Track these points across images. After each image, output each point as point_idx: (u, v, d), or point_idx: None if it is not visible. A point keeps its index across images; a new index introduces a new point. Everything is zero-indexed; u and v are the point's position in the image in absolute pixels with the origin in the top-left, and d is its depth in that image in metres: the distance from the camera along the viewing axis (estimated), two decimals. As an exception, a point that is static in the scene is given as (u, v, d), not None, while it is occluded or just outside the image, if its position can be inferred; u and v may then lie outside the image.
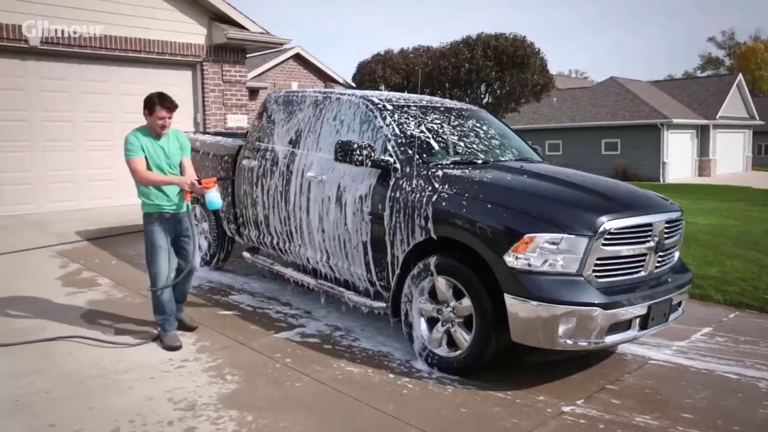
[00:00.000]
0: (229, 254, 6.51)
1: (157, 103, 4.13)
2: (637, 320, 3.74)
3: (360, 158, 4.27)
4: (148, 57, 9.72)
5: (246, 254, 5.95)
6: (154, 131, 4.22)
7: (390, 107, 4.75)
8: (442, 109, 5.16)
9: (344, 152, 4.30)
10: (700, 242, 8.72)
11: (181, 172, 4.36)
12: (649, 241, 3.82)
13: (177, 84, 10.19)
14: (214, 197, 4.28)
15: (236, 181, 5.83)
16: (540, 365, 4.08)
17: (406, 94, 5.39)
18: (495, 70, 21.28)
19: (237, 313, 5.10)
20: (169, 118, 4.21)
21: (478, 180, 4.02)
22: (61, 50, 8.91)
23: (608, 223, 3.59)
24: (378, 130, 4.60)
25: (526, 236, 3.51)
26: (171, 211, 4.29)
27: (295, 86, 21.77)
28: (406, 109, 4.82)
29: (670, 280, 4.05)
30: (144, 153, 4.16)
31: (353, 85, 24.03)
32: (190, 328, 4.57)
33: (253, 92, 19.53)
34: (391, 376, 3.90)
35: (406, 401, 3.54)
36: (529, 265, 3.52)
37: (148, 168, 4.18)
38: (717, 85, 31.91)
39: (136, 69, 9.81)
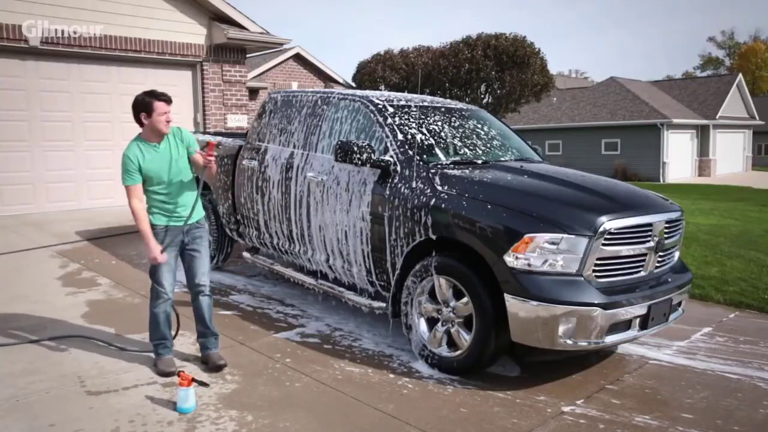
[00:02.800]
0: (229, 255, 6.51)
1: (154, 99, 3.65)
2: (637, 320, 3.75)
3: (360, 159, 4.27)
4: (148, 57, 9.72)
5: (246, 254, 5.95)
6: (156, 135, 3.73)
7: (390, 108, 4.75)
8: (443, 109, 5.15)
9: (344, 153, 4.30)
10: (700, 242, 8.72)
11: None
12: (649, 241, 3.82)
13: (177, 84, 10.19)
14: (183, 398, 3.34)
15: (236, 181, 5.83)
16: (540, 365, 4.08)
17: (406, 95, 5.39)
18: (495, 70, 21.26)
19: (237, 313, 5.10)
20: (169, 112, 3.71)
21: (478, 180, 4.02)
22: (61, 50, 8.91)
23: (608, 223, 3.59)
24: (378, 130, 4.60)
25: (526, 236, 3.51)
26: (176, 225, 3.84)
27: (295, 86, 21.76)
28: (406, 109, 4.81)
29: (670, 280, 4.05)
30: (142, 176, 3.72)
31: (353, 85, 24.02)
32: (216, 368, 3.87)
33: (253, 92, 19.53)
34: (391, 376, 3.90)
35: (406, 401, 3.54)
36: (529, 265, 3.52)
37: (153, 184, 3.76)
38: (717, 85, 31.90)
39: (136, 69, 9.81)
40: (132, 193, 3.71)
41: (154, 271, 3.82)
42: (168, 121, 3.73)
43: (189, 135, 3.91)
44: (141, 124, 3.74)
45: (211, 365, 3.89)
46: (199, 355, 4.07)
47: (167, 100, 3.71)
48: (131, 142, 3.78)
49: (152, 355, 3.96)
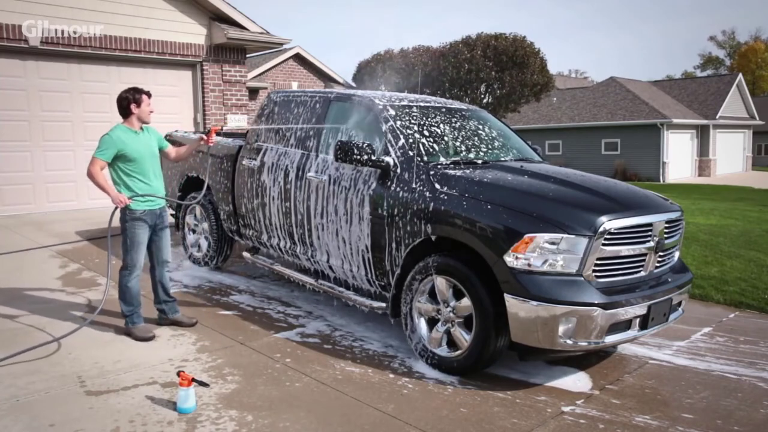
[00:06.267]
0: (228, 256, 6.50)
1: (143, 93, 4.42)
2: (637, 320, 3.75)
3: (360, 158, 4.27)
4: (148, 57, 9.73)
5: (246, 254, 5.95)
6: (139, 123, 4.46)
7: (391, 108, 4.75)
8: (443, 109, 5.15)
9: (344, 152, 4.30)
10: (700, 242, 8.73)
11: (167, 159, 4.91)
12: (649, 241, 3.83)
13: (177, 84, 10.19)
14: (184, 398, 3.34)
15: (236, 181, 5.83)
16: (540, 365, 4.08)
17: (407, 95, 5.39)
18: (495, 70, 21.25)
19: (237, 313, 5.10)
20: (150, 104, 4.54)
21: (478, 180, 4.02)
22: (61, 50, 8.92)
23: (608, 223, 3.59)
24: (378, 130, 4.60)
25: (526, 236, 3.51)
26: (155, 208, 4.49)
27: (295, 86, 21.77)
28: (407, 110, 4.81)
29: (670, 280, 4.05)
30: (125, 156, 4.35)
31: (353, 85, 24.01)
32: (190, 326, 4.69)
33: (253, 92, 19.54)
34: (391, 376, 3.90)
35: (406, 401, 3.54)
36: (529, 265, 3.52)
37: (133, 163, 4.38)
38: (717, 85, 31.88)
39: (136, 69, 9.81)
40: (96, 164, 4.30)
41: (130, 251, 4.37)
42: (151, 112, 4.50)
43: (158, 132, 4.72)
44: (127, 114, 4.43)
45: (186, 324, 4.65)
46: (199, 355, 4.10)
47: (150, 94, 4.52)
48: (115, 127, 4.42)
49: (123, 325, 4.47)
